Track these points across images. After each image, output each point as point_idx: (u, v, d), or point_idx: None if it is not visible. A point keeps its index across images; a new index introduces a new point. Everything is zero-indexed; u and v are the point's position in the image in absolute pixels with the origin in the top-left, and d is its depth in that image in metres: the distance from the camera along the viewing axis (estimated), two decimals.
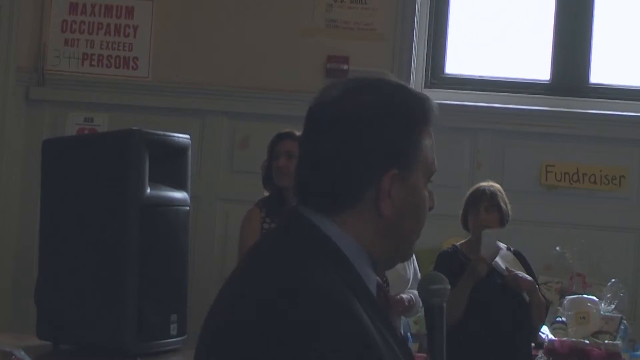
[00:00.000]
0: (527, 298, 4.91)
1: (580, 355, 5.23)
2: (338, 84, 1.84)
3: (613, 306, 5.57)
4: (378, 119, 1.76)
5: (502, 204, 4.96)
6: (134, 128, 3.76)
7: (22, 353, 3.34)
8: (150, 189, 3.66)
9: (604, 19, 6.32)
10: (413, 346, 5.75)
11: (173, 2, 6.31)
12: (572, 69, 6.28)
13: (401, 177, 1.75)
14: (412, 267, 5.16)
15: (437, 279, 1.93)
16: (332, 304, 1.64)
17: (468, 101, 6.22)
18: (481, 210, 4.96)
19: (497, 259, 4.95)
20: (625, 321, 5.52)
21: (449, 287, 1.92)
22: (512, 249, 5.11)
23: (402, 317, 5.09)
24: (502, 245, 5.09)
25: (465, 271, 4.85)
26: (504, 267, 4.92)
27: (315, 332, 1.60)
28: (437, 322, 1.88)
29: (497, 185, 5.06)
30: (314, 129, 1.80)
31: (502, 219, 4.97)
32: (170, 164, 3.84)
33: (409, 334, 5.68)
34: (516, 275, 4.88)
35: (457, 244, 5.08)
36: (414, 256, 5.33)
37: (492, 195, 4.96)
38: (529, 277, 4.93)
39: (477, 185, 5.09)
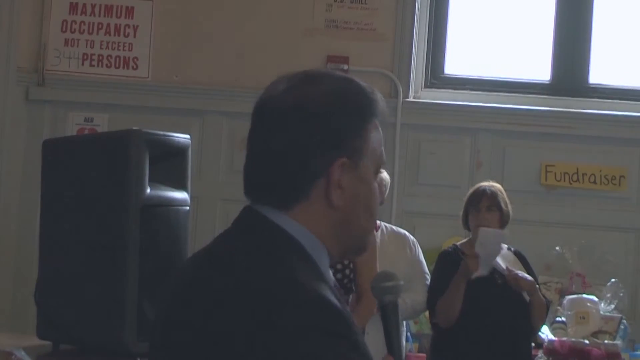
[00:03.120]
0: (527, 298, 4.91)
1: (580, 355, 5.23)
2: (284, 78, 1.85)
3: (613, 306, 5.57)
4: (324, 109, 1.77)
5: (503, 204, 4.97)
6: (134, 128, 3.75)
7: (22, 353, 3.34)
8: (150, 189, 3.66)
9: (604, 19, 6.32)
10: (413, 346, 5.75)
11: (173, 2, 6.31)
12: (572, 69, 6.29)
13: (351, 166, 1.76)
14: (411, 253, 5.18)
15: (389, 276, 1.92)
16: (322, 302, 1.65)
17: (468, 101, 6.23)
18: (482, 209, 4.96)
19: (498, 259, 4.95)
20: (625, 321, 5.52)
21: (401, 283, 1.93)
22: (512, 249, 5.12)
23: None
24: (503, 245, 5.09)
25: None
26: (504, 267, 4.92)
27: (307, 333, 1.61)
28: (391, 319, 1.88)
29: (498, 186, 5.06)
30: (261, 124, 1.82)
31: (502, 219, 4.97)
32: (170, 164, 3.83)
33: (408, 333, 5.68)
34: (516, 274, 4.88)
35: (458, 243, 5.08)
36: (416, 243, 5.33)
37: (492, 195, 4.96)
38: (529, 277, 4.93)
39: (477, 185, 5.09)
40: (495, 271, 4.93)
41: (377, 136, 1.81)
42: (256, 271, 1.69)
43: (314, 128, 1.75)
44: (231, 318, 1.64)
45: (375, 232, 5.01)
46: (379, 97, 1.84)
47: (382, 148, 1.84)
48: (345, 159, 1.75)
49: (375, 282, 1.93)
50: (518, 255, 5.09)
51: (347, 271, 4.63)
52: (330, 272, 1.83)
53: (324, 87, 1.80)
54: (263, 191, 1.82)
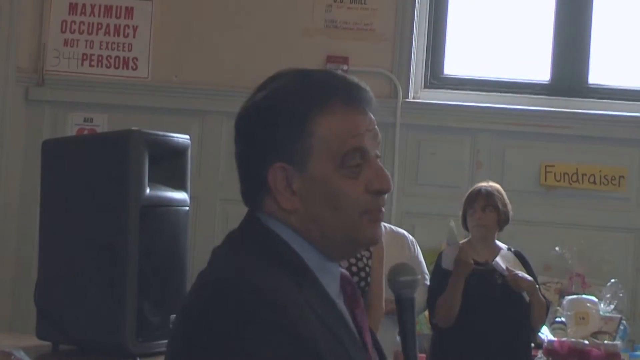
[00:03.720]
0: (527, 298, 4.91)
1: (580, 355, 5.23)
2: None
3: (612, 306, 5.57)
4: (261, 115, 1.78)
5: (500, 204, 4.96)
6: (134, 128, 3.75)
7: (22, 353, 3.33)
8: (150, 190, 3.66)
9: (603, 19, 6.32)
10: None
11: (172, 2, 6.31)
12: (572, 69, 6.29)
13: (295, 169, 1.73)
14: (410, 252, 5.17)
15: (407, 270, 1.86)
16: (256, 295, 1.64)
17: (467, 101, 6.23)
18: (477, 209, 4.96)
19: (498, 259, 4.95)
20: (624, 321, 5.53)
21: (418, 277, 1.86)
22: (512, 249, 5.12)
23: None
24: (503, 245, 5.09)
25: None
26: (504, 267, 4.92)
27: (237, 322, 1.62)
28: (407, 314, 1.82)
29: (497, 186, 5.06)
30: (235, 133, 1.85)
31: (499, 219, 4.97)
32: (170, 164, 3.83)
33: None
34: (516, 275, 4.88)
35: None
36: (415, 243, 5.33)
37: (488, 195, 4.96)
38: (529, 277, 4.93)
39: (475, 185, 5.10)
40: (495, 271, 4.94)
41: (330, 127, 1.74)
42: (211, 269, 1.77)
43: (252, 135, 1.78)
44: (178, 314, 1.74)
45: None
46: (336, 81, 1.78)
47: (350, 133, 1.75)
48: (282, 163, 1.74)
49: (392, 275, 1.85)
50: (518, 255, 5.10)
51: (363, 274, 4.56)
52: (335, 267, 1.81)
53: (268, 91, 1.79)
54: (241, 193, 1.86)
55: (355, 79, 1.81)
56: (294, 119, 1.74)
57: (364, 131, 1.76)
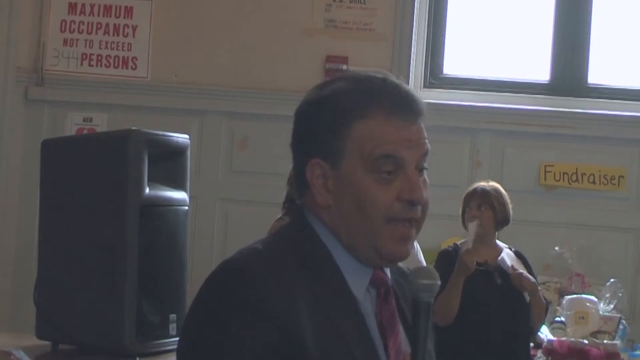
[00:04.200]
0: (527, 298, 4.91)
1: (579, 355, 5.23)
2: None
3: (612, 306, 5.57)
4: (306, 113, 1.86)
5: (496, 203, 4.95)
6: (133, 128, 3.75)
7: (22, 353, 3.33)
8: (149, 189, 3.65)
9: (603, 19, 6.32)
10: None
11: (172, 2, 6.31)
12: (571, 69, 6.29)
13: (330, 167, 1.81)
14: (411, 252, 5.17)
15: (429, 273, 1.84)
16: (239, 279, 1.73)
17: (467, 101, 6.22)
18: (473, 208, 4.96)
19: (504, 256, 4.95)
20: (624, 321, 5.53)
21: (439, 283, 1.84)
22: (513, 249, 5.11)
23: None
24: (504, 245, 5.09)
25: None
26: (509, 265, 4.92)
27: (216, 302, 1.72)
28: (422, 318, 1.80)
29: (495, 185, 5.05)
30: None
31: (496, 218, 4.96)
32: (170, 164, 3.83)
33: None
34: (520, 274, 4.89)
35: (459, 242, 5.08)
36: (415, 243, 5.33)
37: (483, 193, 4.97)
38: (532, 278, 4.94)
39: (473, 184, 5.11)
40: (495, 271, 4.94)
41: (365, 132, 1.81)
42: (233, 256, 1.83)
43: (298, 132, 1.87)
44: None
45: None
46: (378, 88, 1.85)
47: (380, 142, 1.81)
48: (319, 160, 1.81)
49: (412, 277, 1.84)
50: (518, 255, 5.09)
51: None
52: (367, 268, 1.84)
53: (315, 91, 1.87)
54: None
55: (406, 86, 1.90)
56: (334, 119, 1.81)
57: (402, 140, 1.84)
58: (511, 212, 5.01)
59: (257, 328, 1.68)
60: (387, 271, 1.89)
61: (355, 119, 1.80)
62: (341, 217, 1.80)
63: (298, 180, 1.86)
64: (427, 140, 1.89)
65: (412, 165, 1.85)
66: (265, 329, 1.68)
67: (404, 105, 1.85)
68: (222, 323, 1.70)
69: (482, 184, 5.06)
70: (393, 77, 1.93)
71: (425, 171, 1.89)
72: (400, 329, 1.85)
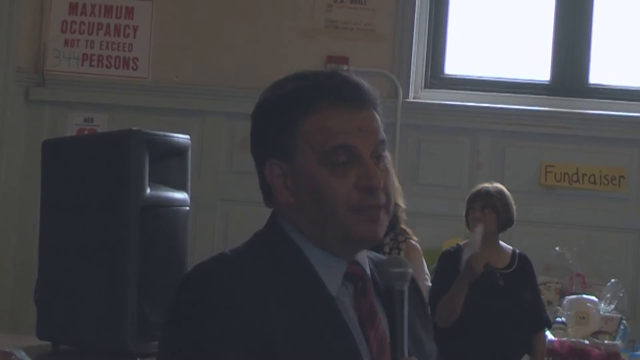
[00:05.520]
0: (529, 299, 4.92)
1: (580, 355, 5.23)
2: None
3: (613, 306, 5.57)
4: (258, 114, 1.88)
5: (499, 205, 4.94)
6: (134, 128, 3.76)
7: (22, 353, 3.34)
8: (150, 190, 3.66)
9: (604, 19, 6.32)
10: None
11: (173, 3, 6.31)
12: (572, 69, 6.29)
13: (285, 165, 1.82)
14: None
15: (399, 262, 1.87)
16: (210, 283, 1.76)
17: (468, 101, 6.22)
18: (476, 210, 4.95)
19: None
20: (624, 321, 5.53)
21: (410, 270, 1.86)
22: (517, 250, 5.10)
23: None
24: (509, 247, 5.08)
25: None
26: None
27: (189, 308, 1.76)
28: (398, 306, 1.82)
29: (499, 187, 5.03)
30: None
31: (499, 220, 4.95)
32: (170, 165, 3.83)
33: None
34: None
35: (461, 243, 5.08)
36: (419, 249, 5.32)
37: (486, 195, 4.95)
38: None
39: (477, 186, 5.09)
40: (495, 272, 4.93)
41: (317, 125, 1.81)
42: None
43: (253, 134, 1.89)
44: None
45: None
46: (335, 78, 1.85)
47: (341, 128, 1.80)
48: (274, 159, 1.83)
49: (384, 266, 1.87)
50: (522, 258, 5.06)
51: None
52: (341, 262, 1.84)
53: (266, 92, 1.90)
54: None
55: (355, 77, 1.87)
56: (283, 118, 1.83)
57: (353, 129, 1.81)
58: (515, 213, 5.00)
59: (228, 330, 1.71)
60: (365, 264, 1.89)
61: (304, 115, 1.81)
62: (304, 213, 1.82)
63: (262, 184, 1.87)
64: (381, 129, 1.85)
65: (367, 153, 1.80)
66: (235, 330, 1.70)
67: (352, 95, 1.83)
68: (194, 327, 1.73)
69: (486, 185, 5.04)
70: (342, 71, 1.92)
71: (384, 159, 1.84)
72: (383, 320, 1.85)
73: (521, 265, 5.04)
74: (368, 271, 1.89)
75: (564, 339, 5.29)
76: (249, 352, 1.70)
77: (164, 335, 1.80)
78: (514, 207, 4.99)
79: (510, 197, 5.00)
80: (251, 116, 1.89)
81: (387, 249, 4.74)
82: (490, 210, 4.94)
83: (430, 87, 6.32)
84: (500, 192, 4.99)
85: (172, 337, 1.77)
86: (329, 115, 1.81)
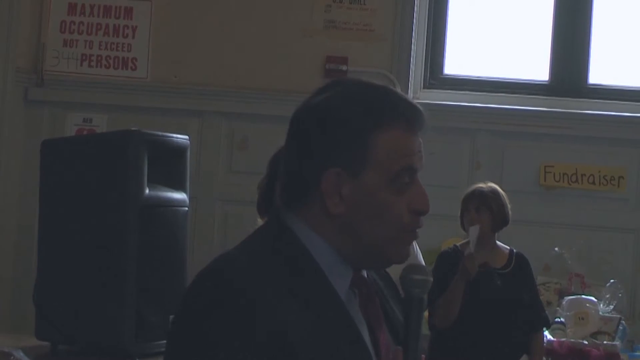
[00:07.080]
0: (525, 300, 4.92)
1: (579, 355, 5.23)
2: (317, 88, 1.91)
3: (612, 307, 5.57)
4: (322, 119, 1.82)
5: (494, 205, 4.93)
6: (133, 128, 3.76)
7: (21, 353, 3.34)
8: (149, 190, 3.66)
9: (603, 19, 6.32)
10: None
11: (172, 3, 6.31)
12: (571, 69, 6.29)
13: (349, 176, 1.79)
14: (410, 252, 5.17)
15: (421, 269, 1.88)
16: (228, 287, 1.72)
17: (467, 102, 6.22)
18: (471, 210, 4.95)
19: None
20: (624, 322, 5.53)
21: (431, 279, 1.88)
22: (515, 251, 5.10)
23: None
24: (506, 247, 5.08)
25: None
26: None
27: (206, 312, 1.72)
28: (414, 313, 1.83)
29: (493, 186, 5.03)
30: (288, 131, 1.88)
31: (494, 220, 4.95)
32: (169, 165, 3.84)
33: None
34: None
35: (458, 244, 5.08)
36: (415, 243, 5.32)
37: (481, 196, 4.95)
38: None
39: (471, 186, 5.09)
40: (492, 272, 4.93)
41: (390, 144, 1.81)
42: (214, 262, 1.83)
43: (312, 137, 1.82)
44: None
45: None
46: (397, 101, 1.84)
47: (401, 154, 1.82)
48: (339, 169, 1.79)
49: (405, 272, 1.87)
50: (520, 258, 5.06)
51: None
52: (348, 269, 1.84)
53: (330, 96, 1.83)
54: (280, 191, 1.89)
55: (413, 101, 1.90)
56: (357, 129, 1.80)
57: (416, 152, 1.86)
58: (510, 212, 5.00)
59: (250, 338, 1.69)
60: (364, 272, 1.90)
61: (379, 130, 1.80)
62: (353, 225, 1.80)
63: (296, 185, 1.83)
64: None
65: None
66: (256, 338, 1.69)
67: (417, 117, 1.87)
68: (214, 335, 1.71)
69: (480, 185, 5.04)
70: (395, 89, 1.93)
71: None
72: (385, 326, 1.87)
73: (519, 264, 5.04)
74: (365, 275, 1.90)
75: (563, 339, 5.30)
76: (269, 358, 1.69)
77: (176, 339, 1.77)
78: (509, 206, 4.99)
79: (504, 196, 5.00)
80: (302, 117, 1.84)
81: None
82: (485, 211, 4.94)
83: (429, 87, 6.32)
84: (494, 192, 4.98)
85: (187, 342, 1.74)
86: (399, 135, 1.82)
